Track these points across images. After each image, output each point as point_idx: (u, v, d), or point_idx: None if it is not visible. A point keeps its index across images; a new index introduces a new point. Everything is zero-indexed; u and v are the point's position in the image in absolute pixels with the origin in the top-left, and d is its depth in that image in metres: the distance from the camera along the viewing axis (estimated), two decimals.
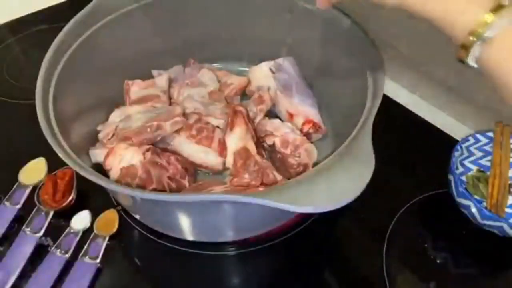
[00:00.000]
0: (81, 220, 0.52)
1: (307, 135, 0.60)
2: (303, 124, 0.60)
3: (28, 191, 0.55)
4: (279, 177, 0.54)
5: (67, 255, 0.49)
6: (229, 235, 0.52)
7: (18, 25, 0.89)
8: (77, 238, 0.51)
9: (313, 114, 0.61)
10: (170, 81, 0.67)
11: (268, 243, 0.52)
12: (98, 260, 0.49)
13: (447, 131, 0.64)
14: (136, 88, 0.64)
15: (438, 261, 0.50)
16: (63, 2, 0.94)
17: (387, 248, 0.51)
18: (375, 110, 0.45)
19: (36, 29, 0.87)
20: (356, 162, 0.39)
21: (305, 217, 0.54)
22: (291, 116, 0.62)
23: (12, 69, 0.78)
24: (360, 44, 0.54)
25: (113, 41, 0.61)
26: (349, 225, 0.54)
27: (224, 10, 0.67)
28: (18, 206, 0.53)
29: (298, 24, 0.63)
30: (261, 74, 0.66)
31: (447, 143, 0.62)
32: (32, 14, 0.91)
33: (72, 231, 0.51)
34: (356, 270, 0.51)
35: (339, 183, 0.37)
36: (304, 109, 0.61)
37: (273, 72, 0.65)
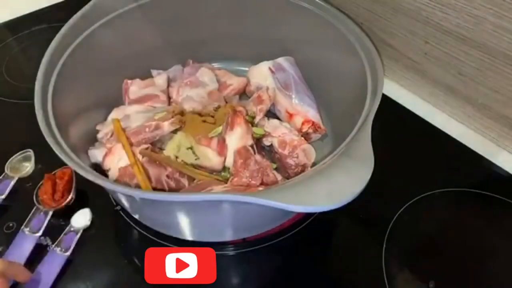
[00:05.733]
0: (81, 218, 0.52)
1: (306, 135, 0.60)
2: (303, 124, 0.60)
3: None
4: (279, 177, 0.54)
5: (67, 254, 0.49)
6: (229, 235, 0.51)
7: (17, 24, 0.89)
8: (77, 237, 0.51)
9: (313, 114, 0.61)
10: (169, 81, 0.67)
11: (267, 243, 0.52)
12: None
13: (446, 131, 0.64)
14: (135, 88, 0.64)
15: (437, 261, 0.50)
16: (62, 2, 0.94)
17: (387, 248, 0.51)
18: (374, 110, 0.45)
19: (35, 28, 0.87)
20: (356, 162, 0.39)
21: (304, 217, 0.54)
22: (290, 116, 0.61)
23: (11, 68, 0.78)
24: (360, 44, 0.54)
25: (112, 41, 0.61)
26: (348, 225, 0.54)
27: (223, 10, 0.67)
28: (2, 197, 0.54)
29: (298, 24, 0.63)
30: (261, 74, 0.66)
31: (447, 143, 0.63)
32: (31, 13, 0.91)
33: (72, 229, 0.51)
34: (355, 270, 0.50)
35: (338, 183, 0.37)
36: (303, 109, 0.61)
37: (272, 72, 0.65)
